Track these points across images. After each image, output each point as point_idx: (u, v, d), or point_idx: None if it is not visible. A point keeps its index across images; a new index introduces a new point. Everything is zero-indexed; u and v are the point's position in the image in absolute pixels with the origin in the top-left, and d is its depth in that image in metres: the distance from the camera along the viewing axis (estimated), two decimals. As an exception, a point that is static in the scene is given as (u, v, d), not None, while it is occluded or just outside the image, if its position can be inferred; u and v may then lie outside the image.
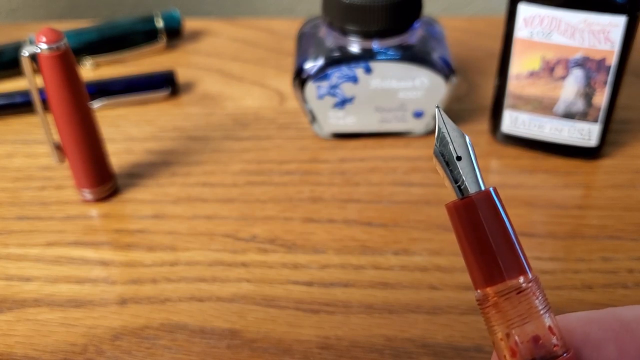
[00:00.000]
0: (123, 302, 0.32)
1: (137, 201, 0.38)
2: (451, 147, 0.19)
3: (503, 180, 0.39)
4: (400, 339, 0.30)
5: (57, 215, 0.38)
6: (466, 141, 0.19)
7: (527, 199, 0.37)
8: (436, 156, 0.19)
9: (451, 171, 0.19)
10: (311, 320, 0.31)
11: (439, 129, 0.19)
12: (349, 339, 0.30)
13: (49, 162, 0.41)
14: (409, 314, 0.31)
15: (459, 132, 0.19)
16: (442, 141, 0.19)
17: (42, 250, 0.35)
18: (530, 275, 0.19)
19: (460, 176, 0.19)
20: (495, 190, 0.19)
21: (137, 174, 0.40)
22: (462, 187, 0.19)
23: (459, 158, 0.19)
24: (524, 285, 0.19)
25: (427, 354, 0.29)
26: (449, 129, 0.19)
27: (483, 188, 0.19)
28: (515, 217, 0.36)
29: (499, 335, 0.19)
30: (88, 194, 0.38)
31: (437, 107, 0.20)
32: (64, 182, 0.40)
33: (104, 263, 0.35)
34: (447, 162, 0.19)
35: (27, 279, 0.34)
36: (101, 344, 0.30)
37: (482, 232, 0.19)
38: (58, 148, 0.37)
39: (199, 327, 0.31)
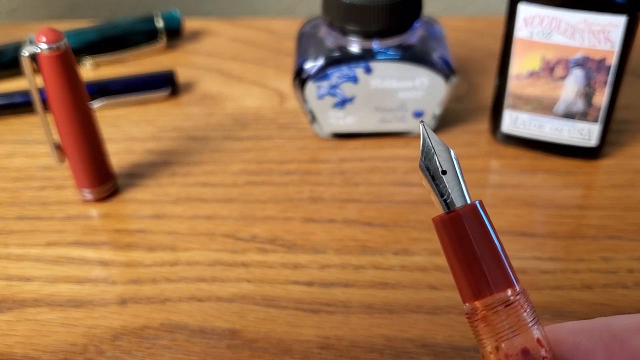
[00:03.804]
0: (123, 302, 0.32)
1: (137, 201, 0.38)
2: (436, 161, 0.19)
3: (503, 180, 0.39)
4: (400, 339, 0.30)
5: (57, 215, 0.38)
6: (451, 155, 0.20)
7: (527, 199, 0.37)
8: (422, 170, 0.20)
9: (437, 185, 0.19)
10: (311, 320, 0.31)
11: (424, 143, 0.20)
12: (349, 339, 0.30)
13: (49, 162, 0.41)
14: (409, 314, 0.31)
15: (444, 146, 0.20)
16: (427, 155, 0.20)
17: (42, 250, 0.35)
18: (517, 288, 0.19)
19: (446, 190, 0.19)
20: (481, 203, 0.19)
21: (137, 174, 0.40)
22: (448, 201, 0.19)
23: (444, 172, 0.19)
24: (511, 298, 0.19)
25: (427, 354, 0.29)
26: (434, 143, 0.20)
27: (469, 202, 0.19)
28: (515, 217, 0.36)
29: (488, 348, 0.19)
30: (88, 194, 0.38)
31: (422, 121, 0.20)
32: (64, 182, 0.40)
33: (104, 263, 0.35)
34: (433, 176, 0.19)
35: (27, 279, 0.34)
36: (101, 344, 0.30)
37: (468, 245, 0.19)
38: (58, 148, 0.37)
39: (199, 327, 0.31)
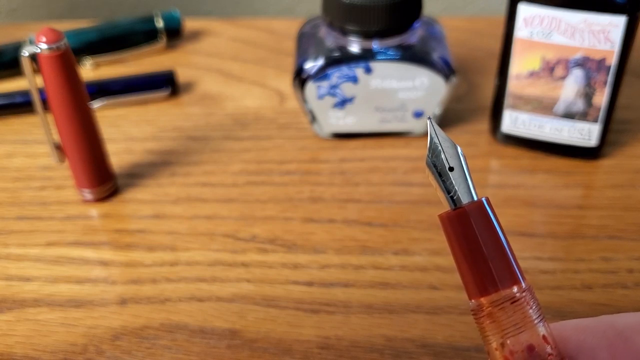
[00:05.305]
0: (123, 302, 0.32)
1: (137, 201, 0.38)
2: (443, 158, 0.19)
3: (503, 180, 0.39)
4: (400, 339, 0.30)
5: (57, 215, 0.38)
6: (458, 152, 0.19)
7: (527, 199, 0.37)
8: (428, 167, 0.20)
9: (443, 182, 0.19)
10: (311, 320, 0.31)
11: (431, 139, 0.20)
12: (349, 339, 0.30)
13: (49, 162, 0.41)
14: (409, 314, 0.31)
15: (451, 142, 0.20)
16: (434, 152, 0.19)
17: (42, 250, 0.35)
18: (523, 285, 0.19)
19: (453, 187, 0.19)
20: (487, 200, 0.19)
21: (137, 174, 0.40)
22: (454, 198, 0.19)
23: (451, 169, 0.19)
24: (517, 294, 0.19)
25: (427, 354, 0.29)
26: (441, 139, 0.20)
27: (475, 198, 0.19)
28: (515, 217, 0.36)
29: (494, 345, 0.19)
30: (88, 194, 0.38)
31: (429, 118, 0.20)
32: (64, 182, 0.40)
33: (104, 263, 0.35)
34: (440, 172, 0.19)
35: (27, 279, 0.34)
36: (101, 344, 0.30)
37: (475, 242, 0.19)
38: (58, 148, 0.37)
39: (199, 327, 0.31)
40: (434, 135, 0.20)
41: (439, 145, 0.19)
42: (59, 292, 0.33)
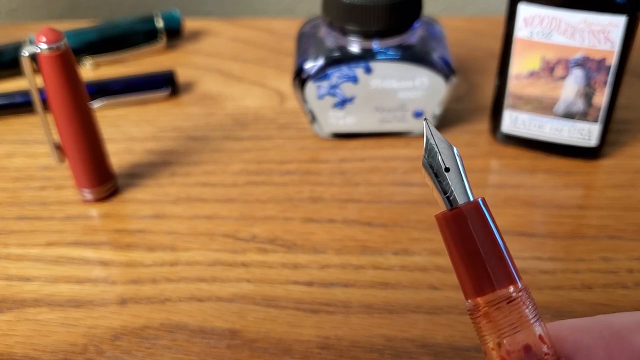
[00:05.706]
0: (123, 302, 0.32)
1: (137, 201, 0.38)
2: (439, 159, 0.19)
3: (503, 180, 0.39)
4: (400, 339, 0.30)
5: (57, 215, 0.38)
6: (454, 152, 0.20)
7: (527, 199, 0.37)
8: (425, 168, 0.20)
9: (440, 182, 0.19)
10: (311, 320, 0.31)
11: (427, 140, 0.20)
12: (349, 339, 0.30)
13: (49, 162, 0.41)
14: (409, 314, 0.31)
15: (447, 143, 0.20)
16: (430, 153, 0.20)
17: (42, 250, 0.35)
18: (520, 285, 0.19)
19: (449, 187, 0.19)
20: (483, 200, 0.19)
21: (137, 174, 0.40)
22: (450, 198, 0.19)
23: (447, 169, 0.19)
24: (514, 294, 0.19)
25: (427, 354, 0.29)
26: (437, 140, 0.20)
27: (472, 199, 0.19)
28: (515, 217, 0.36)
29: (490, 344, 0.19)
30: (88, 194, 0.38)
31: (425, 119, 0.20)
32: (64, 182, 0.40)
33: (104, 263, 0.35)
34: (436, 173, 0.19)
35: (27, 279, 0.34)
36: (101, 344, 0.30)
37: (471, 242, 0.19)
38: (58, 148, 0.37)
39: (199, 327, 0.31)
40: (430, 136, 0.20)
41: (435, 146, 0.20)
42: (59, 292, 0.33)
